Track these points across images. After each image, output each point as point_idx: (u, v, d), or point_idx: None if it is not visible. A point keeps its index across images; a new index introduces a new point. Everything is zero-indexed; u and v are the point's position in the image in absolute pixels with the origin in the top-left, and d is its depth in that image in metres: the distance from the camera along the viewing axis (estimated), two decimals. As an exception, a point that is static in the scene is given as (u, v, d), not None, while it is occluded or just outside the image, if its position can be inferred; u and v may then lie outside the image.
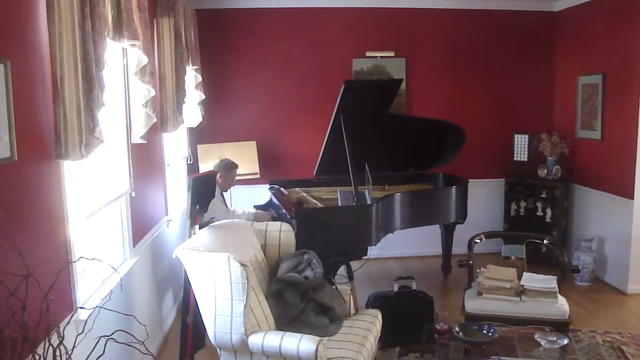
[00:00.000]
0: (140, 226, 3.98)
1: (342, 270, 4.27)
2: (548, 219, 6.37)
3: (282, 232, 3.71)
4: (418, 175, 6.00)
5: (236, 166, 5.08)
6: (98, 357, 2.11)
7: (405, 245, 6.61)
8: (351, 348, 3.13)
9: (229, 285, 2.95)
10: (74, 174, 2.81)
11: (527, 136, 6.49)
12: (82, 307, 2.72)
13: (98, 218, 3.34)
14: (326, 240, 4.35)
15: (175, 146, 5.54)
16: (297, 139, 6.51)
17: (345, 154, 4.74)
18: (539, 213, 6.45)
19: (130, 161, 3.61)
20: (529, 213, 6.51)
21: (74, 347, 2.18)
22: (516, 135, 6.56)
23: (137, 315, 3.76)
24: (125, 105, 3.60)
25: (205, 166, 5.77)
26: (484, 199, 6.73)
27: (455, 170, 5.93)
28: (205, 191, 3.41)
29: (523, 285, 4.05)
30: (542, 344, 3.38)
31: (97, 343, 2.08)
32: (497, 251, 6.15)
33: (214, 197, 3.58)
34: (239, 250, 3.32)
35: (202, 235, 3.27)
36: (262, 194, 5.85)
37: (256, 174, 6.15)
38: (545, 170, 6.40)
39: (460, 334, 3.44)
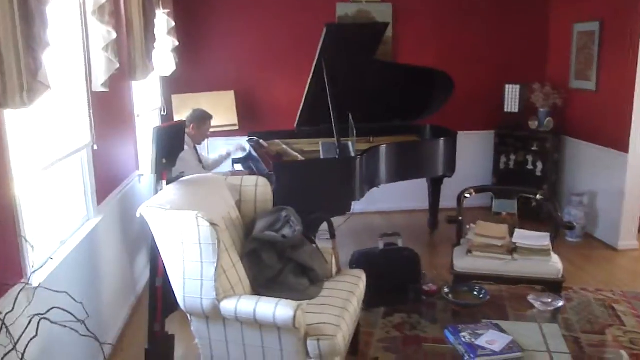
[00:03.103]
0: (106, 182, 3.68)
1: (324, 226, 4.03)
2: (538, 173, 6.16)
3: (259, 187, 3.44)
4: (404, 126, 5.72)
5: (210, 117, 4.79)
6: (31, 338, 1.84)
7: (390, 200, 6.39)
8: (332, 313, 2.90)
9: (198, 247, 2.69)
10: (20, 126, 2.50)
11: (518, 86, 6.21)
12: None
13: (56, 174, 3.04)
14: (307, 195, 4.10)
15: (146, 96, 5.22)
16: (278, 88, 6.21)
17: (328, 103, 4.45)
18: (529, 166, 6.23)
19: (91, 111, 3.28)
20: (519, 166, 6.29)
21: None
22: (507, 86, 6.27)
23: (105, 276, 3.54)
24: (84, 49, 3.26)
25: (181, 117, 5.45)
26: (473, 152, 6.49)
27: (443, 122, 5.66)
28: (172, 143, 3.10)
29: (515, 243, 3.84)
30: (536, 305, 3.18)
31: (29, 322, 1.81)
32: (485, 205, 6.03)
33: (182, 149, 3.27)
34: (211, 207, 3.04)
35: (169, 192, 2.99)
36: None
37: (234, 125, 5.87)
38: (537, 122, 6.15)
39: (450, 295, 3.24)
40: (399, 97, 5.36)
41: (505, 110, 6.31)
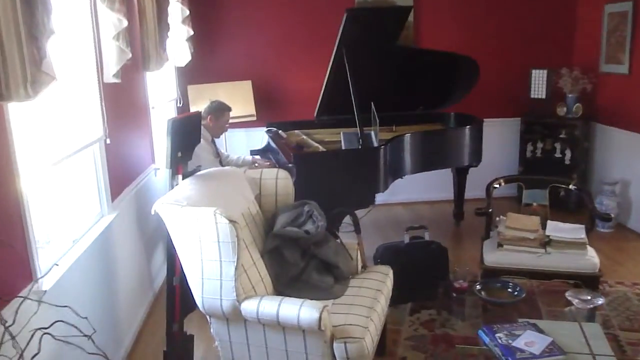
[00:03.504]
0: (121, 177, 3.55)
1: (347, 219, 3.87)
2: (567, 161, 5.93)
3: (279, 180, 3.28)
4: (427, 115, 5.52)
5: (228, 109, 4.62)
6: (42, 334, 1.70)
7: (413, 190, 6.20)
8: (360, 313, 2.74)
9: (217, 245, 2.54)
10: (27, 120, 2.37)
11: (545, 71, 5.96)
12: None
13: (67, 170, 2.91)
14: (329, 187, 3.95)
15: (161, 87, 5.08)
16: (297, 76, 6.02)
17: (349, 92, 4.28)
18: (557, 155, 6.00)
19: (103, 104, 3.14)
20: (547, 154, 6.07)
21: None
22: (533, 71, 6.03)
23: (121, 275, 3.41)
24: (94, 38, 3.11)
25: (197, 108, 5.31)
26: (498, 140, 6.26)
27: (468, 109, 5.45)
28: (188, 135, 2.94)
29: (548, 236, 3.65)
30: (575, 303, 2.98)
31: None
32: (511, 195, 5.83)
33: (199, 142, 3.12)
34: (229, 202, 2.89)
35: (186, 187, 2.84)
36: (259, 137, 5.39)
37: (252, 115, 5.71)
38: (565, 108, 5.91)
39: (483, 292, 3.06)
40: (422, 85, 5.16)
41: (532, 96, 6.07)
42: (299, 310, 2.48)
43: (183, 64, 5.32)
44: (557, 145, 6.00)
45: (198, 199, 2.72)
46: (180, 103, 5.50)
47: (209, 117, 4.48)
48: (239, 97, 5.61)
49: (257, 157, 4.88)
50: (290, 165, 4.02)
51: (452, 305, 3.63)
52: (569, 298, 3.01)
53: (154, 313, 3.95)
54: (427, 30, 6.06)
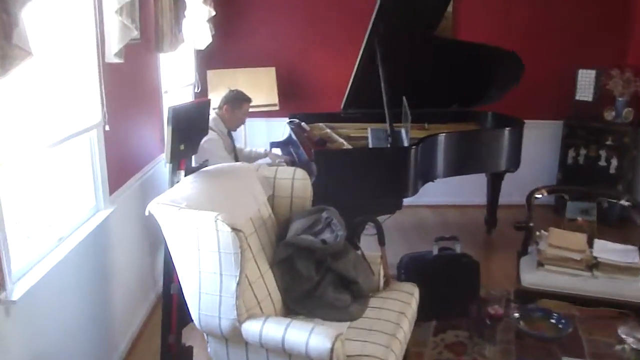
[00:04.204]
0: (122, 168, 3.21)
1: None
2: (612, 170, 5.45)
3: (296, 181, 2.91)
4: (462, 113, 5.11)
5: (248, 100, 4.24)
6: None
7: (442, 192, 5.75)
8: (380, 342, 2.37)
9: (217, 255, 2.19)
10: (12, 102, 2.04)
11: (593, 72, 5.48)
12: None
13: (59, 159, 2.58)
14: (352, 189, 3.60)
15: (178, 71, 4.75)
16: (324, 65, 5.63)
17: (380, 84, 3.90)
18: (602, 163, 5.52)
19: (103, 86, 2.80)
20: (590, 162, 5.59)
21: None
22: (580, 71, 5.55)
23: (117, 276, 3.10)
24: (95, 13, 2.76)
25: (216, 95, 4.98)
26: (536, 143, 5.77)
27: (504, 109, 5.01)
28: (193, 126, 2.59)
29: (596, 257, 3.23)
30: (629, 342, 2.58)
31: None
32: (548, 203, 5.39)
33: (206, 133, 2.76)
34: (236, 205, 2.54)
35: (187, 185, 2.49)
36: (281, 128, 5.03)
37: (275, 105, 5.35)
38: (614, 113, 5.43)
39: (522, 323, 2.67)
40: (458, 80, 4.75)
41: (577, 98, 5.60)
42: (308, 337, 2.12)
43: (203, 47, 4.99)
44: (602, 153, 5.52)
45: (199, 200, 2.37)
46: (198, 88, 5.16)
47: (224, 107, 4.15)
48: (262, 85, 5.28)
49: (277, 150, 4.54)
50: (310, 161, 3.66)
51: (482, 327, 3.25)
52: (623, 336, 2.60)
53: (154, 317, 3.62)
54: (466, 20, 5.61)
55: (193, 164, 2.75)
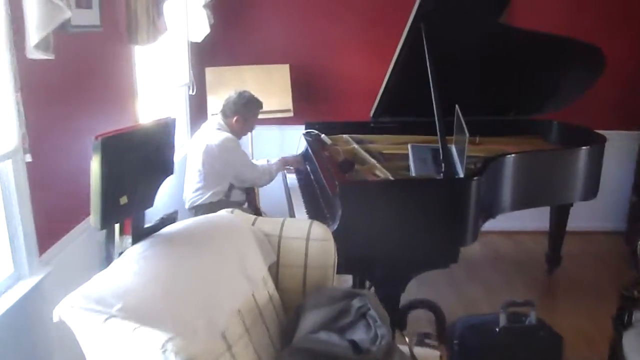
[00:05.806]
0: (60, 214, 2.26)
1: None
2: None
3: (312, 242, 1.92)
4: (517, 122, 4.11)
5: (260, 105, 3.61)
6: None
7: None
8: None
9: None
10: None
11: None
12: None
13: None
14: (391, 238, 2.60)
15: (167, 69, 3.90)
16: (349, 62, 4.73)
17: (422, 85, 2.95)
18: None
19: (19, 95, 1.83)
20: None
21: None
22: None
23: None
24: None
25: (216, 98, 4.14)
26: (605, 157, 4.78)
27: (565, 116, 4.10)
28: (142, 164, 1.59)
29: None
30: None
31: None
32: (616, 229, 4.54)
33: (170, 173, 1.73)
34: (215, 294, 1.56)
35: (130, 265, 1.51)
36: (294, 140, 4.15)
37: (288, 110, 4.49)
38: None
39: None
40: (521, 80, 3.77)
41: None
42: None
43: (199, 39, 4.12)
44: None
45: (145, 296, 1.40)
46: (193, 90, 4.22)
47: (235, 118, 3.51)
48: (273, 86, 4.43)
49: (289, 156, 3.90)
50: (334, 197, 2.67)
51: None
52: None
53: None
54: (524, 10, 4.57)
55: (146, 223, 1.73)
